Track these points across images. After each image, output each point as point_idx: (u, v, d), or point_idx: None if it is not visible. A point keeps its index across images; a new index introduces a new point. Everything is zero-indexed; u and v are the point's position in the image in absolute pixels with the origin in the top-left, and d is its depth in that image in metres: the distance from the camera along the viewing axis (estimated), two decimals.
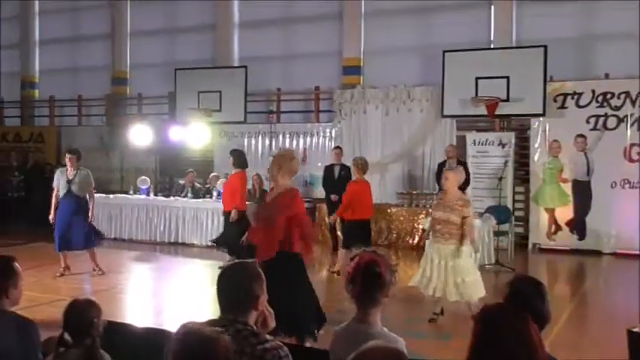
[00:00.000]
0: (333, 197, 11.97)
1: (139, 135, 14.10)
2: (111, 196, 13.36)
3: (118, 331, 4.19)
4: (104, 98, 17.39)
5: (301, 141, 14.25)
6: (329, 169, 12.29)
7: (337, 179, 12.09)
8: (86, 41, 18.21)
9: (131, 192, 13.37)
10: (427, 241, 7.25)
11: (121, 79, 17.49)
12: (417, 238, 12.17)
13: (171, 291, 9.10)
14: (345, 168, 12.17)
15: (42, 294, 7.74)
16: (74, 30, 18.41)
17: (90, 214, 9.26)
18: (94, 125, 17.22)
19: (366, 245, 9.37)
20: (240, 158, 10.08)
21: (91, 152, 16.41)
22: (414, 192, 12.86)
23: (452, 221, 6.69)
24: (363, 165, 9.40)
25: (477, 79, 12.23)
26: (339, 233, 11.97)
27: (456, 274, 6.75)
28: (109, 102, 17.30)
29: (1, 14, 19.48)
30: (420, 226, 11.92)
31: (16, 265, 3.46)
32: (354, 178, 9.70)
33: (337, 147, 12.62)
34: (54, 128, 17.82)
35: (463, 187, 11.75)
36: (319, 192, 13.94)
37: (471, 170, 11.93)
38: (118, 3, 17.36)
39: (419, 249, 11.72)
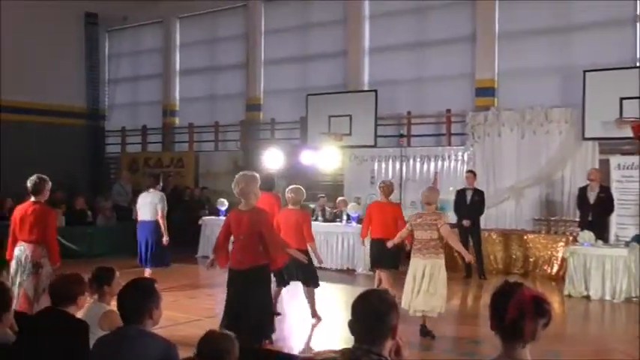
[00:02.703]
0: (466, 222, 11.70)
1: (272, 159, 14.41)
2: None
3: (249, 356, 4.19)
4: (239, 124, 17.96)
5: (432, 165, 13.99)
6: (461, 194, 12.03)
7: (470, 204, 11.80)
8: (222, 70, 18.94)
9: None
10: (411, 260, 7.40)
11: (255, 106, 18.01)
12: (555, 267, 11.56)
13: (301, 315, 9.11)
14: (478, 192, 11.87)
15: (179, 313, 7.98)
16: (211, 60, 19.21)
17: None
18: (230, 150, 17.81)
19: (384, 266, 9.20)
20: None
21: (226, 176, 17.00)
22: (553, 218, 12.24)
23: (433, 238, 7.17)
24: (384, 188, 9.45)
25: (622, 99, 11.53)
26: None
27: (432, 284, 7.08)
28: (244, 127, 17.84)
29: (145, 47, 20.69)
30: (560, 254, 11.33)
31: (157, 287, 3.56)
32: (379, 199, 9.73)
33: (470, 171, 12.31)
34: (192, 153, 18.61)
35: (606, 213, 11.12)
36: (450, 217, 13.63)
37: (614, 196, 11.23)
38: (253, 34, 17.94)
39: (558, 278, 11.17)
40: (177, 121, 20.03)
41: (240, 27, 18.44)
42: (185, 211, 15.89)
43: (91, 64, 20.73)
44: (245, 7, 18.21)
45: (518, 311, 2.59)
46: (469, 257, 7.54)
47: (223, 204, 14.31)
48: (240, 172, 6.45)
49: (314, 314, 8.44)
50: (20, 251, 7.01)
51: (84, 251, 13.73)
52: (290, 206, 8.18)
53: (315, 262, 8.38)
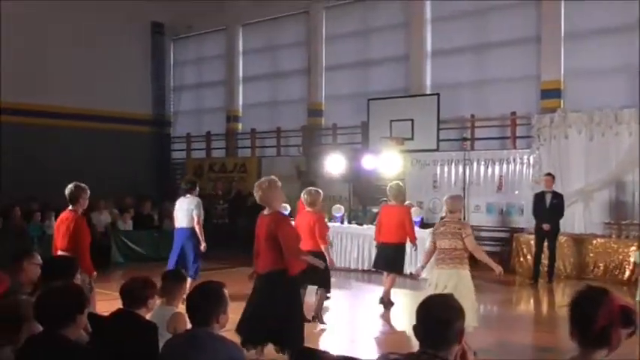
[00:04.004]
0: (545, 226, 11.51)
1: (334, 164, 14.44)
2: None
3: (312, 359, 4.21)
4: (300, 129, 18.06)
5: (497, 168, 13.76)
6: (540, 197, 11.85)
7: (549, 207, 11.60)
8: (284, 76, 19.10)
9: (326, 220, 13.65)
10: (432, 270, 7.11)
11: (317, 111, 18.09)
12: (627, 272, 11.21)
13: (365, 319, 9.10)
14: (557, 195, 11.67)
15: None
16: (273, 67, 19.39)
17: None
18: (292, 155, 17.93)
19: (389, 270, 9.43)
20: None
21: (288, 181, 17.12)
22: (624, 222, 11.87)
23: (457, 248, 6.79)
24: (391, 190, 9.62)
25: None
26: (545, 262, 11.50)
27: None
28: (305, 133, 17.93)
29: (209, 54, 21.07)
30: (632, 259, 10.97)
31: (226, 291, 3.61)
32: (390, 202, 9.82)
33: (548, 174, 12.08)
34: (255, 159, 18.82)
35: None
36: (516, 221, 13.42)
37: None
38: (314, 39, 18.04)
39: (630, 284, 10.84)
40: (240, 126, 20.29)
41: (302, 33, 18.56)
42: (248, 217, 16.05)
43: (156, 72, 21.25)
44: (306, 14, 18.32)
45: (608, 320, 2.54)
46: (499, 270, 7.03)
47: (285, 209, 14.39)
48: (258, 181, 6.37)
49: (319, 318, 8.42)
50: None
51: (150, 254, 14.08)
52: (307, 208, 8.26)
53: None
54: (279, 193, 6.27)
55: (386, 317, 9.17)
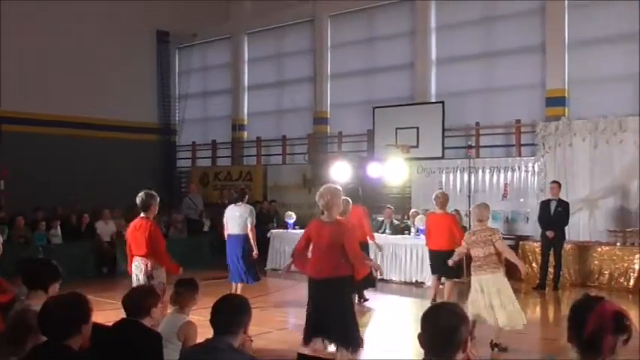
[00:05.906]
0: (549, 233, 11.54)
1: (339, 172, 14.41)
2: None
3: None
4: (306, 137, 18.10)
5: (502, 176, 13.77)
6: (545, 204, 11.88)
7: (554, 214, 11.63)
8: (290, 85, 19.13)
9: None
10: (473, 277, 7.48)
11: (322, 119, 18.12)
12: (632, 280, 11.18)
13: (371, 327, 9.09)
14: (562, 203, 11.69)
15: (251, 326, 8.07)
16: (279, 75, 19.44)
17: None
18: (297, 163, 17.95)
19: (445, 276, 9.58)
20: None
21: (294, 189, 17.20)
22: (628, 229, 11.85)
23: (491, 253, 7.25)
24: (437, 199, 9.85)
25: None
26: (550, 269, 11.50)
27: (505, 299, 7.13)
28: (311, 141, 17.97)
29: (214, 63, 21.13)
30: (637, 267, 10.95)
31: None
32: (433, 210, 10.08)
33: (554, 181, 12.11)
34: (260, 167, 18.85)
35: None
36: (521, 229, 13.41)
37: None
38: (320, 48, 18.09)
39: (635, 291, 10.81)
40: (245, 135, 20.33)
41: (307, 41, 18.61)
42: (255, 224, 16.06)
43: (162, 80, 21.30)
44: (311, 22, 18.38)
45: (597, 325, 2.55)
46: (524, 270, 7.50)
47: (291, 217, 14.45)
48: (325, 185, 6.48)
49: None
50: (136, 267, 7.17)
51: None
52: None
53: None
54: (341, 202, 6.44)
55: (390, 326, 9.15)
